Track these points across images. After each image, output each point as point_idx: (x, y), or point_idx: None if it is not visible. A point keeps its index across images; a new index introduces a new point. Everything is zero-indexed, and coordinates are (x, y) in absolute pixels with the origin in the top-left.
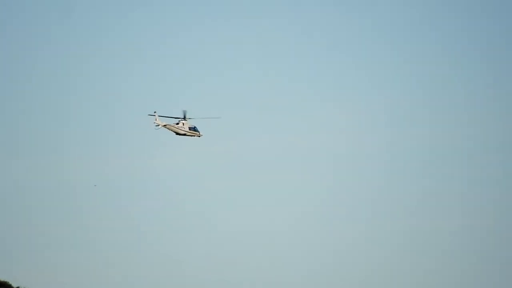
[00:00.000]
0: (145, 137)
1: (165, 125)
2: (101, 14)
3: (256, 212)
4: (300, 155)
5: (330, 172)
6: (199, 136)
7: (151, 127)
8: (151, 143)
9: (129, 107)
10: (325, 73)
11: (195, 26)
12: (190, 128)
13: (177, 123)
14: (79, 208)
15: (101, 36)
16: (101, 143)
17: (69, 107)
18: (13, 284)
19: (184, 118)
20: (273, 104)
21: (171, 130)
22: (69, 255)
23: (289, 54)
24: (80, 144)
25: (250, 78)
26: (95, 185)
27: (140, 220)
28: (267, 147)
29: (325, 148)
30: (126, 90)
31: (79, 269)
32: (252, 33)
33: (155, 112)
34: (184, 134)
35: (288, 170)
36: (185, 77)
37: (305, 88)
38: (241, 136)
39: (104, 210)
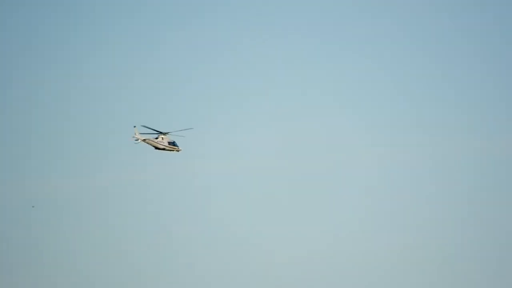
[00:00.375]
0: (123, 151)
1: (144, 140)
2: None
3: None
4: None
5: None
6: (178, 151)
7: (130, 141)
8: (129, 156)
9: (109, 121)
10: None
11: (189, 31)
12: (169, 143)
13: (156, 138)
14: (54, 224)
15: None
16: (78, 156)
17: (46, 119)
18: None
19: (164, 133)
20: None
21: (150, 145)
22: (50, 271)
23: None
24: (57, 157)
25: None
26: (33, 206)
27: (116, 234)
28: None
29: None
30: (107, 103)
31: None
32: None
33: (134, 126)
34: (163, 149)
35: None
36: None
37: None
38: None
39: (80, 224)
